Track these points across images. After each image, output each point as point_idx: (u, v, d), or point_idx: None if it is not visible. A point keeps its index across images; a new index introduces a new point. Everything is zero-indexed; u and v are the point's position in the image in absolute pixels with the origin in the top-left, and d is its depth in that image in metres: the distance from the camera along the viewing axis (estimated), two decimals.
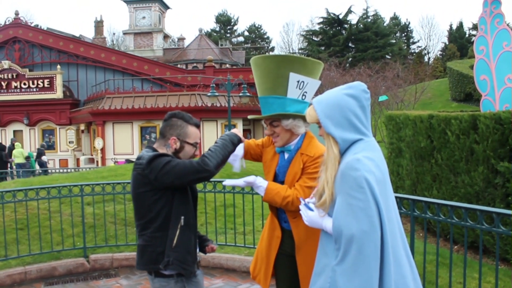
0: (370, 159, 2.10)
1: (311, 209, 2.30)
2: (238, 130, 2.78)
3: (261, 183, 2.72)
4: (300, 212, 2.38)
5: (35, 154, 21.85)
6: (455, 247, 5.88)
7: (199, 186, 5.90)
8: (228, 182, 2.78)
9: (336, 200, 2.12)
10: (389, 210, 2.11)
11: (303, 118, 2.73)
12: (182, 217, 2.59)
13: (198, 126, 2.77)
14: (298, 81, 2.67)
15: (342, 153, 2.20)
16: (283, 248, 2.88)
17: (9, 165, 19.48)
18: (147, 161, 2.53)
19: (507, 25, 8.50)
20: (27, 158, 20.43)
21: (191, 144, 2.70)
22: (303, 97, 2.74)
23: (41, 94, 26.78)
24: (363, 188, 2.01)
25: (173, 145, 2.66)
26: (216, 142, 2.64)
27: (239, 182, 2.75)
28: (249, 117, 3.07)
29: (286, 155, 2.84)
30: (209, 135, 22.81)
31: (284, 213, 2.85)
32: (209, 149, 2.57)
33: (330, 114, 2.18)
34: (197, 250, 2.82)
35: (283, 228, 2.89)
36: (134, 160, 19.60)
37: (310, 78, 2.71)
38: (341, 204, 2.07)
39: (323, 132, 2.26)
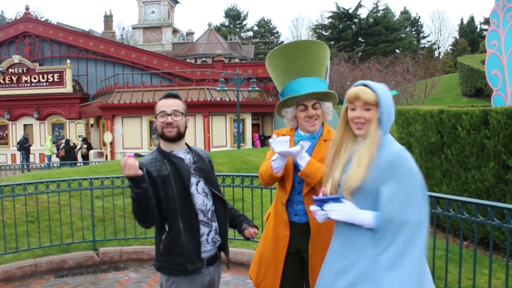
0: None
1: (339, 202, 2.20)
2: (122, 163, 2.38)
3: (305, 155, 2.68)
4: (318, 215, 2.29)
5: None
6: (465, 243, 5.84)
7: None
8: (282, 149, 2.64)
9: (384, 189, 2.10)
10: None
11: (334, 106, 2.85)
12: (166, 224, 2.56)
13: (168, 96, 2.70)
14: (328, 72, 2.79)
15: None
16: (290, 246, 2.82)
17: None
18: None
19: None
20: None
21: (157, 116, 2.66)
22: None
23: (51, 88, 26.96)
24: (415, 177, 2.08)
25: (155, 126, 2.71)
26: (132, 198, 2.45)
27: (295, 148, 2.62)
28: (303, 93, 2.76)
29: (306, 145, 2.80)
30: (218, 130, 22.83)
31: (296, 206, 2.81)
32: (132, 205, 2.48)
33: (387, 103, 2.20)
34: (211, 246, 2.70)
35: (292, 223, 2.82)
36: (143, 154, 19.72)
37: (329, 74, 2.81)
38: (393, 193, 2.08)
39: (371, 116, 2.19)
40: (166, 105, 2.65)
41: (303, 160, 2.66)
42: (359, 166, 2.15)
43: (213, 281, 2.74)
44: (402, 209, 2.04)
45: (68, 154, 21.37)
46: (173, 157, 2.65)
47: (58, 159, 21.68)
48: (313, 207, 2.29)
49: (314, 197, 2.27)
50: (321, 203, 2.24)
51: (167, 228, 2.57)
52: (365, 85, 2.22)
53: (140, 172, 2.34)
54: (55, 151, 22.78)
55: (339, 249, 2.25)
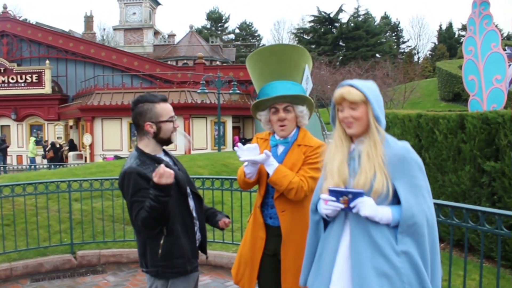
0: None
1: (361, 197, 2.11)
2: (155, 175, 2.36)
3: (273, 162, 2.70)
4: (329, 205, 2.14)
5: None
6: (441, 245, 5.93)
7: None
8: (247, 157, 2.68)
9: (400, 184, 2.13)
10: None
11: (310, 108, 2.81)
12: (164, 227, 2.54)
13: (165, 100, 2.68)
14: (307, 76, 2.75)
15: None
16: (267, 248, 2.86)
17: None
18: (119, 179, 2.59)
19: (496, 26, 8.56)
20: None
21: (166, 121, 2.63)
22: (305, 92, 2.81)
23: (29, 89, 26.55)
24: (422, 168, 2.17)
25: (150, 130, 2.61)
26: (149, 201, 2.39)
27: (260, 157, 2.66)
28: (272, 96, 2.79)
29: (281, 148, 2.83)
30: (199, 132, 22.77)
31: (270, 209, 2.84)
32: (146, 211, 2.40)
33: (377, 100, 2.24)
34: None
35: (267, 226, 2.87)
36: (122, 156, 19.41)
37: (310, 78, 2.78)
38: (408, 187, 2.12)
39: (361, 115, 2.19)
40: (171, 110, 2.68)
41: (270, 168, 2.69)
42: (380, 170, 2.13)
43: (198, 274, 2.82)
44: (418, 203, 2.10)
45: (56, 155, 22.09)
46: (162, 161, 2.65)
47: (44, 161, 22.22)
48: (326, 196, 2.14)
49: (331, 187, 2.13)
50: (338, 194, 2.11)
51: (165, 232, 2.54)
52: (351, 85, 2.23)
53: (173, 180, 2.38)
54: (39, 153, 22.86)
55: (365, 247, 2.14)
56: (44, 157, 22.55)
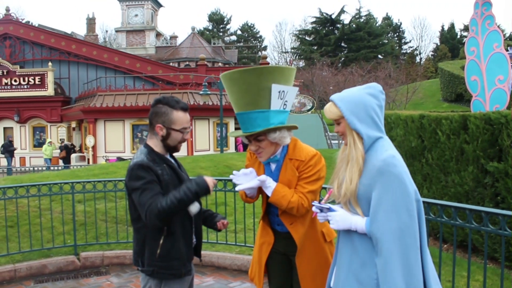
0: (400, 156, 2.17)
1: (332, 210, 2.28)
2: (211, 179, 2.56)
3: (270, 184, 2.69)
4: (318, 216, 2.37)
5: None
6: (445, 246, 5.92)
7: None
8: (243, 186, 2.70)
9: (373, 196, 2.12)
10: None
11: (287, 128, 2.66)
12: (165, 228, 2.55)
13: (185, 110, 2.66)
14: (279, 92, 2.60)
15: (366, 150, 2.21)
16: (275, 248, 2.91)
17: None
18: (127, 172, 2.58)
19: (498, 26, 8.56)
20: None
21: (177, 131, 2.62)
22: (284, 106, 2.67)
23: (32, 91, 26.61)
24: (404, 183, 2.06)
25: (160, 133, 2.61)
26: (181, 193, 2.47)
27: (254, 182, 2.68)
28: (230, 134, 2.93)
29: (273, 165, 2.81)
30: (201, 134, 22.79)
31: (276, 217, 2.85)
32: (171, 200, 2.43)
33: (355, 111, 2.19)
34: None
35: (275, 230, 2.90)
36: (125, 158, 19.38)
37: (288, 86, 2.65)
38: (380, 200, 2.08)
39: (343, 129, 2.25)
40: (188, 121, 2.68)
41: (268, 190, 2.70)
42: (351, 180, 2.18)
43: (193, 277, 2.85)
44: (389, 217, 2.04)
45: (68, 155, 23.61)
46: (169, 161, 2.68)
47: (60, 162, 23.31)
48: (314, 209, 2.38)
49: (313, 202, 2.39)
50: (319, 208, 2.34)
51: (165, 233, 2.56)
52: (332, 101, 2.26)
53: None
54: (55, 155, 23.85)
55: (347, 257, 2.27)
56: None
